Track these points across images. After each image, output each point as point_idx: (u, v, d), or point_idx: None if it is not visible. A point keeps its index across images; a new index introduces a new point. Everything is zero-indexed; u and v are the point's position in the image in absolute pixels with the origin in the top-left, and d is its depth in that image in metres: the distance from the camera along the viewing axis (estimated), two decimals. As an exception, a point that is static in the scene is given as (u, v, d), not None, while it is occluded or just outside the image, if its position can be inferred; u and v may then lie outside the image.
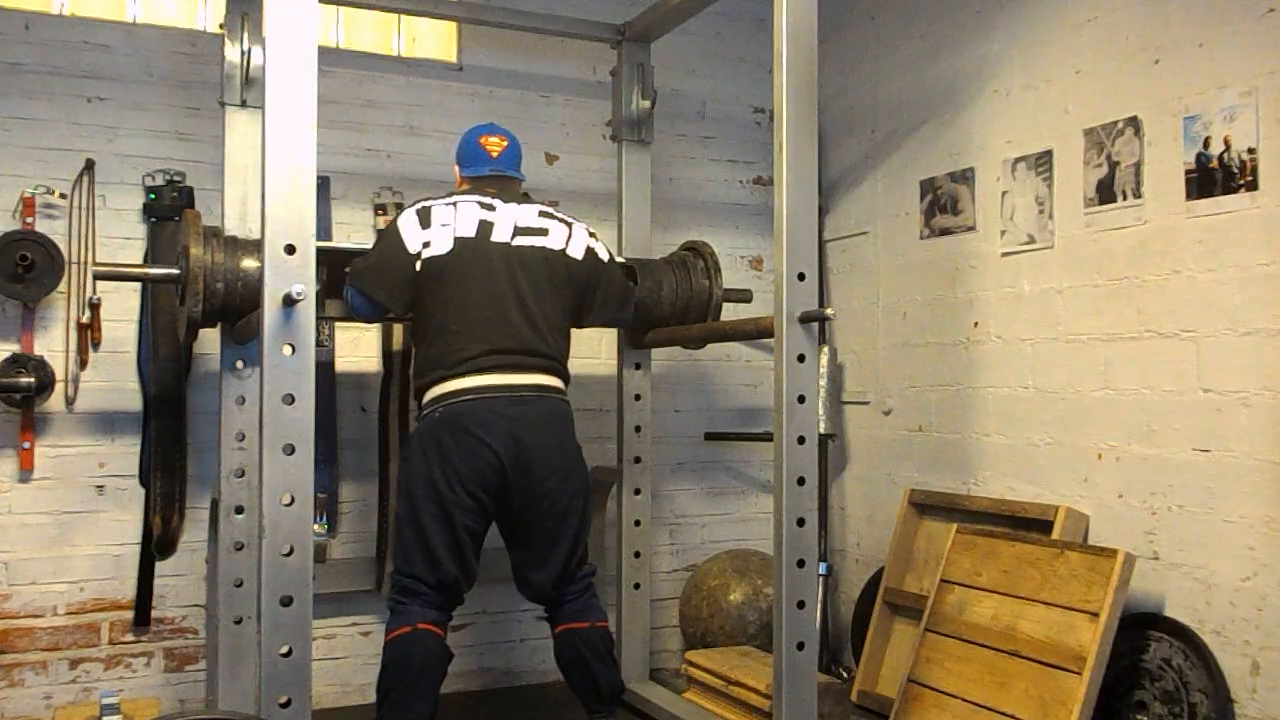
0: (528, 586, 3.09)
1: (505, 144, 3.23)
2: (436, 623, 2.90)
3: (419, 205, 3.06)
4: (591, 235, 3.23)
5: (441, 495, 2.88)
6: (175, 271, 3.08)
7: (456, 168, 3.27)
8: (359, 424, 3.91)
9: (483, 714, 3.82)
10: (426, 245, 2.97)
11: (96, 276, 3.12)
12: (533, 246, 3.06)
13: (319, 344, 2.47)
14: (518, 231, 3.06)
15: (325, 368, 3.79)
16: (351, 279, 3.03)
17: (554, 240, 3.11)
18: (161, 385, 3.56)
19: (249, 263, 3.07)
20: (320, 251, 2.49)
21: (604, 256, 3.24)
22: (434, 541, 2.89)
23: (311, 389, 2.38)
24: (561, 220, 3.17)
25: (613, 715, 3.10)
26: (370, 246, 3.08)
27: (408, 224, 3.00)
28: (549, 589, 3.06)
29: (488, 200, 3.09)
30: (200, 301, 3.01)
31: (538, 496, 2.96)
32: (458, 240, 2.99)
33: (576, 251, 3.14)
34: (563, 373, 3.09)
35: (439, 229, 2.99)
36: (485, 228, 3.03)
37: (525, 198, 3.21)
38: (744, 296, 3.83)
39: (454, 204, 3.05)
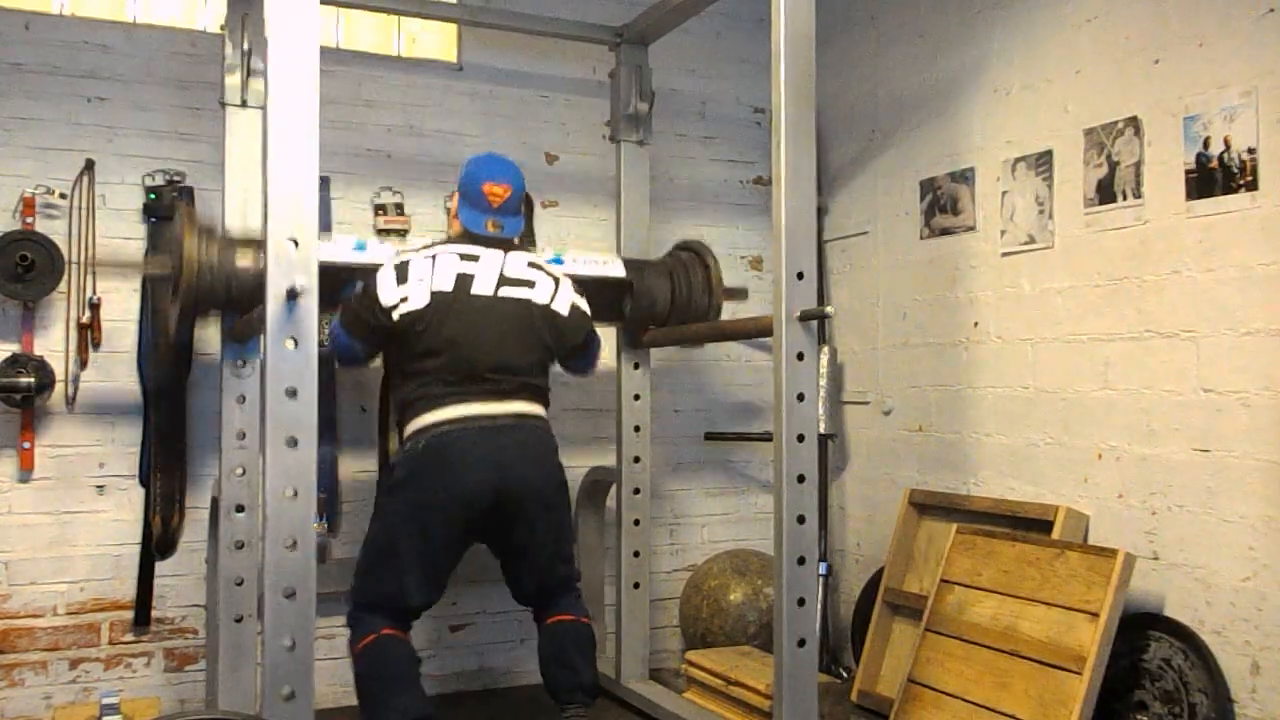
0: (519, 593, 3.19)
1: (508, 194, 3.13)
2: (399, 629, 2.95)
3: (398, 259, 3.03)
4: (577, 292, 3.19)
5: (425, 523, 2.91)
6: (168, 271, 3.09)
7: (456, 197, 3.17)
8: (359, 424, 3.91)
9: (483, 714, 3.82)
10: (403, 300, 2.95)
11: (97, 263, 3.13)
12: (517, 299, 3.05)
13: (319, 345, 2.47)
14: (503, 282, 3.05)
15: (326, 368, 3.79)
16: (341, 317, 3.05)
17: (539, 294, 3.09)
18: (161, 385, 3.56)
19: (244, 261, 3.08)
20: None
21: (587, 312, 3.22)
22: (408, 573, 2.92)
23: (314, 383, 2.39)
24: (548, 274, 3.14)
25: (585, 711, 3.13)
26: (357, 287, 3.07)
27: (384, 280, 2.97)
28: (536, 593, 3.14)
29: (471, 251, 3.06)
30: (192, 298, 3.03)
31: (522, 519, 3.00)
32: (434, 295, 2.96)
33: (562, 307, 3.12)
34: (542, 398, 3.10)
35: (415, 284, 2.96)
36: (464, 281, 3.00)
37: (515, 245, 3.17)
38: (740, 295, 3.85)
39: (433, 257, 3.01)
